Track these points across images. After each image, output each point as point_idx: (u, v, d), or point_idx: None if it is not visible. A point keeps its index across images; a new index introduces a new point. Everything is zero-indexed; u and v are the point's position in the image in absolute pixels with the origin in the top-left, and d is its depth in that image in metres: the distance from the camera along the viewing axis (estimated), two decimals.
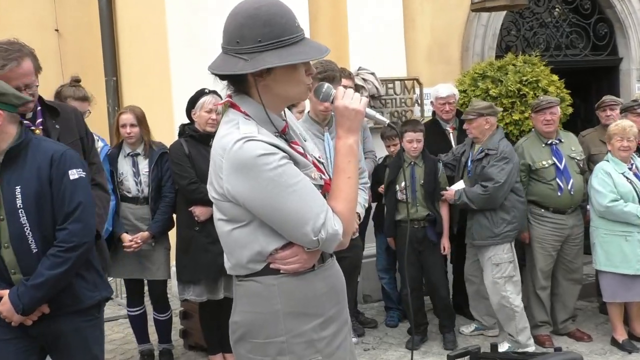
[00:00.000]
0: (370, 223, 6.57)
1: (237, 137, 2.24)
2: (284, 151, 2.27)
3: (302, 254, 2.34)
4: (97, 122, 7.61)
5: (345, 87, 2.49)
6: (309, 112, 5.08)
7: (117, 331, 6.68)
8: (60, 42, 8.62)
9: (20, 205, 3.15)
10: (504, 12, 8.08)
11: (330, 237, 2.28)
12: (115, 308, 7.22)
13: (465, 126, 5.91)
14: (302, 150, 2.43)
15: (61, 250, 3.16)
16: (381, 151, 6.58)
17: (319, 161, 2.51)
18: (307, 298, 2.38)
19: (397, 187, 5.88)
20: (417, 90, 7.70)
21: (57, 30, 8.67)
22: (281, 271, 2.35)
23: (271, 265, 2.35)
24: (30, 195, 3.15)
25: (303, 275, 2.38)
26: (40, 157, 3.20)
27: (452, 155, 6.15)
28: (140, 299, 5.75)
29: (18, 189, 3.14)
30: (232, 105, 2.37)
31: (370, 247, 6.70)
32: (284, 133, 2.41)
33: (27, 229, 3.15)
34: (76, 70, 8.08)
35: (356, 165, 2.37)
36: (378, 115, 2.48)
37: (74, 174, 3.22)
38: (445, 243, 5.94)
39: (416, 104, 7.70)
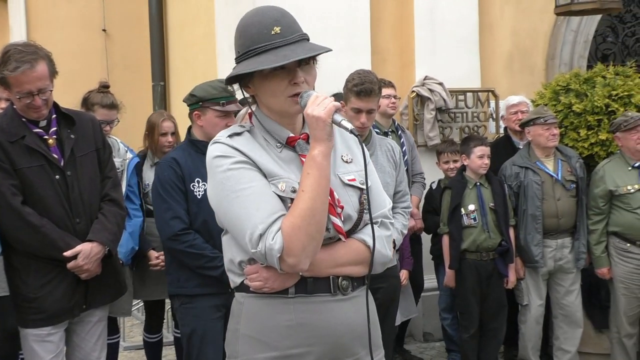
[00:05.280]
0: (429, 257, 6.38)
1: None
2: (247, 157, 2.35)
3: (261, 271, 2.36)
4: (141, 129, 7.65)
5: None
6: None
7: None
8: (107, 43, 8.77)
9: None
10: (599, 16, 7.74)
11: (268, 253, 2.26)
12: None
13: (551, 133, 5.70)
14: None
15: None
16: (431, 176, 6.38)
17: (346, 183, 2.48)
18: (263, 324, 2.40)
19: (463, 211, 5.65)
20: (492, 104, 7.39)
21: (104, 30, 8.81)
22: (250, 289, 2.40)
23: (244, 281, 2.42)
24: None
25: (270, 300, 2.39)
26: None
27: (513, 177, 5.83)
28: (160, 324, 5.85)
29: None
30: (249, 115, 2.54)
31: (431, 280, 6.48)
32: (290, 144, 2.46)
33: None
34: (123, 72, 8.28)
35: (316, 178, 2.30)
36: (344, 122, 2.33)
37: None
38: (512, 276, 5.70)
39: (490, 119, 7.41)
